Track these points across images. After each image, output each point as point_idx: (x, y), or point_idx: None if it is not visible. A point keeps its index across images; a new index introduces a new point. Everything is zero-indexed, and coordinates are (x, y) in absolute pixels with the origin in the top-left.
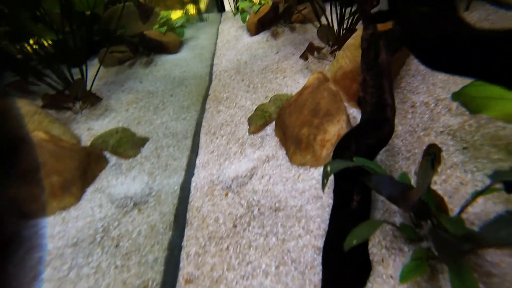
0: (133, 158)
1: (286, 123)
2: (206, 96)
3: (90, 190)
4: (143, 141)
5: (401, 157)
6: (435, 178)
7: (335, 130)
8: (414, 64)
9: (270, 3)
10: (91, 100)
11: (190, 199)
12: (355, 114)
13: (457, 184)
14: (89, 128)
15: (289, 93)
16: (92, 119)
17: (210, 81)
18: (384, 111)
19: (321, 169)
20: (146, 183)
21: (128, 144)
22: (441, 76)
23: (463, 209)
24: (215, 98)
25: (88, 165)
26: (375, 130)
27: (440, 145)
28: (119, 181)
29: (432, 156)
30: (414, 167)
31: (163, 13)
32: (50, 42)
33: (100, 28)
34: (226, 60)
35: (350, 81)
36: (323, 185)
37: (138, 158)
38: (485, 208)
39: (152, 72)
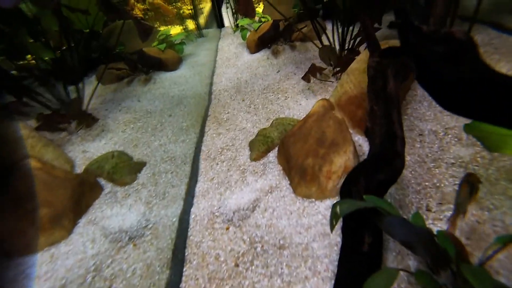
0: (129, 185)
1: (290, 152)
2: (205, 117)
3: (82, 222)
4: (140, 166)
5: (411, 190)
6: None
7: (341, 162)
8: (420, 89)
9: (270, 21)
10: (88, 120)
11: (189, 233)
12: (361, 141)
13: (474, 223)
14: (84, 151)
15: (291, 115)
16: (88, 140)
17: (210, 100)
18: (394, 144)
19: (327, 202)
20: (142, 213)
21: (124, 169)
22: None
23: (488, 259)
24: (215, 120)
25: (81, 194)
26: (385, 165)
27: (451, 179)
28: (114, 211)
29: (471, 185)
30: (425, 202)
31: (163, 30)
32: (46, 59)
33: (99, 45)
34: (226, 78)
35: (355, 107)
36: (332, 227)
37: (135, 185)
38: (511, 254)
39: (151, 90)
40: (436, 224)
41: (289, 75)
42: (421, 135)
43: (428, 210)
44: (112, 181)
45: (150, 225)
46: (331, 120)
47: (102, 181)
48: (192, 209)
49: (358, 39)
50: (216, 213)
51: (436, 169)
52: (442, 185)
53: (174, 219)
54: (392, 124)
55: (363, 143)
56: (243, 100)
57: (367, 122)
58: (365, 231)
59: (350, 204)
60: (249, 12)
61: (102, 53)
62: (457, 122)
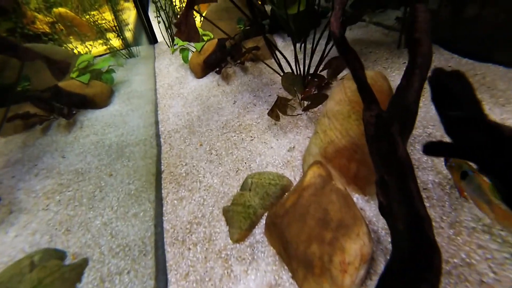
0: None
1: (286, 236)
2: (159, 174)
3: None
4: (79, 269)
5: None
6: None
7: (356, 249)
8: None
9: (214, 39)
10: None
11: None
12: (361, 203)
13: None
14: None
15: (264, 164)
16: None
17: (159, 146)
18: (424, 231)
19: None
20: None
21: (55, 285)
22: None
23: None
24: (172, 177)
25: None
26: (425, 268)
27: (481, 251)
28: None
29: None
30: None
31: (84, 56)
32: None
33: None
34: (173, 114)
35: (347, 161)
36: None
37: None
38: None
39: (78, 139)
40: None
41: (248, 107)
42: (425, 189)
43: None
44: None
45: None
46: (334, 194)
47: None
48: None
49: (325, 57)
50: None
51: (458, 238)
52: (473, 260)
53: None
54: (413, 201)
55: (364, 206)
56: (201, 145)
57: (379, 195)
58: None
59: None
60: (192, 37)
61: None
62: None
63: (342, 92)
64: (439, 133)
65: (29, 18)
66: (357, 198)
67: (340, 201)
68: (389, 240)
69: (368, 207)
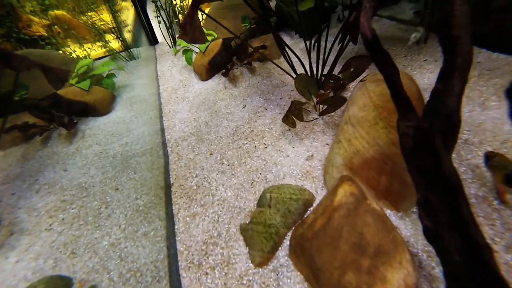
0: None
1: (316, 261)
2: (168, 188)
3: None
4: None
5: None
6: None
7: (399, 279)
8: None
9: (219, 38)
10: None
11: None
12: (394, 221)
13: None
14: None
15: (281, 175)
16: None
17: (166, 156)
18: (484, 261)
19: None
20: None
21: None
22: (482, 150)
23: None
24: (182, 190)
25: None
26: None
27: None
28: None
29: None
30: None
31: (84, 61)
32: None
33: None
34: (179, 120)
35: (377, 173)
36: None
37: None
38: None
39: (80, 151)
40: None
41: (259, 111)
42: None
43: None
44: None
45: None
46: (369, 215)
47: None
48: None
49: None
50: None
51: None
52: None
53: None
54: (467, 227)
55: (399, 224)
56: (211, 154)
57: (423, 218)
58: None
59: None
60: (197, 38)
61: None
62: None
63: (365, 96)
64: (476, 139)
65: (24, 22)
66: (389, 214)
67: (377, 223)
68: (433, 265)
69: (403, 225)
